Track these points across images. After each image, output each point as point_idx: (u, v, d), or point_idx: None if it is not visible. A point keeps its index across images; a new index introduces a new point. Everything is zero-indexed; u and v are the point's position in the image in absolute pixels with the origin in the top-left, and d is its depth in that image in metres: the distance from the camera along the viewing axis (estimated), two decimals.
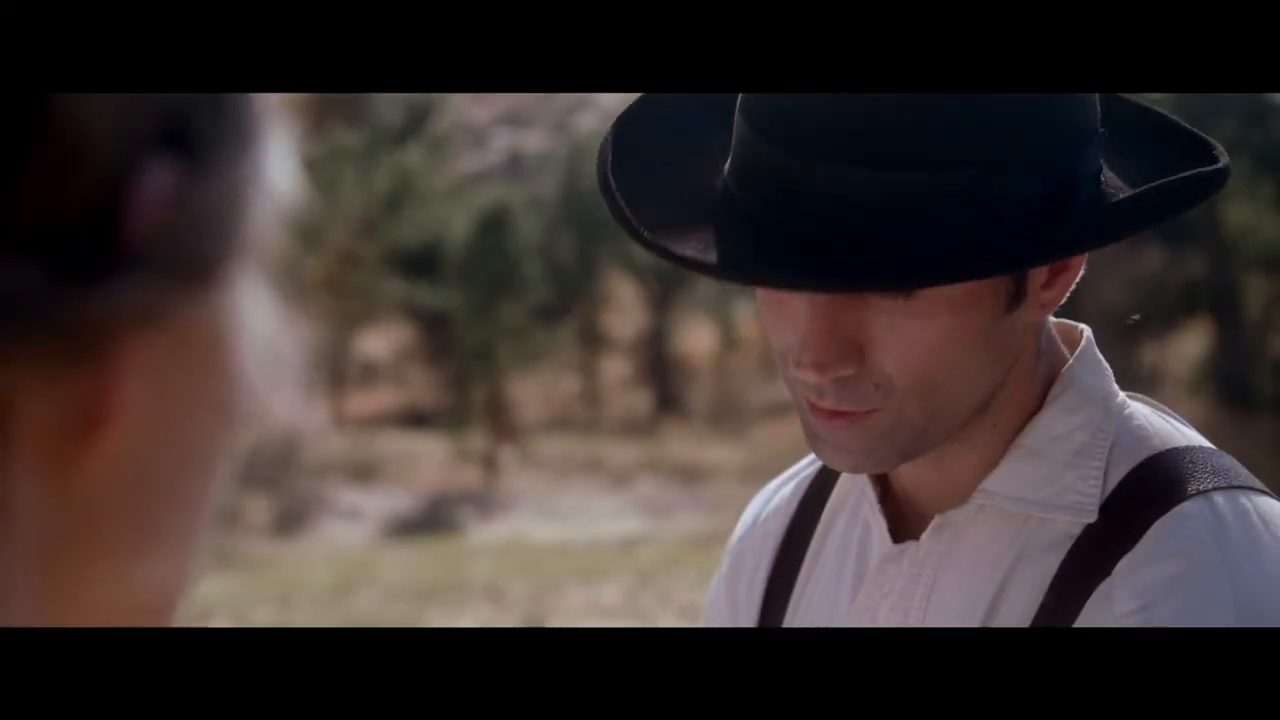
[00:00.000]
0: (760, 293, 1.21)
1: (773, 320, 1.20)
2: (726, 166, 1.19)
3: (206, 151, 0.44)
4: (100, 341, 0.42)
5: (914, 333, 1.15)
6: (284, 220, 0.47)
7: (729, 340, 26.12)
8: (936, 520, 1.24)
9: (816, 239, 1.11)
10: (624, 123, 1.23)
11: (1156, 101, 1.21)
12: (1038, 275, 1.18)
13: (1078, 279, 1.21)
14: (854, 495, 1.35)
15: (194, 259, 0.44)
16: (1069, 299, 1.23)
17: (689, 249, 1.14)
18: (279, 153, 0.47)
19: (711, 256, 1.13)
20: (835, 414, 1.17)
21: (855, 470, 1.23)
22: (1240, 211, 20.62)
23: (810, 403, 1.19)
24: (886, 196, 1.10)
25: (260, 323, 0.47)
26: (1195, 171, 1.18)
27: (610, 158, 1.20)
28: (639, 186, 1.18)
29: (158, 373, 0.44)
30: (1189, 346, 22.40)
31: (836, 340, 1.15)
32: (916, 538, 1.26)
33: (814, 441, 1.21)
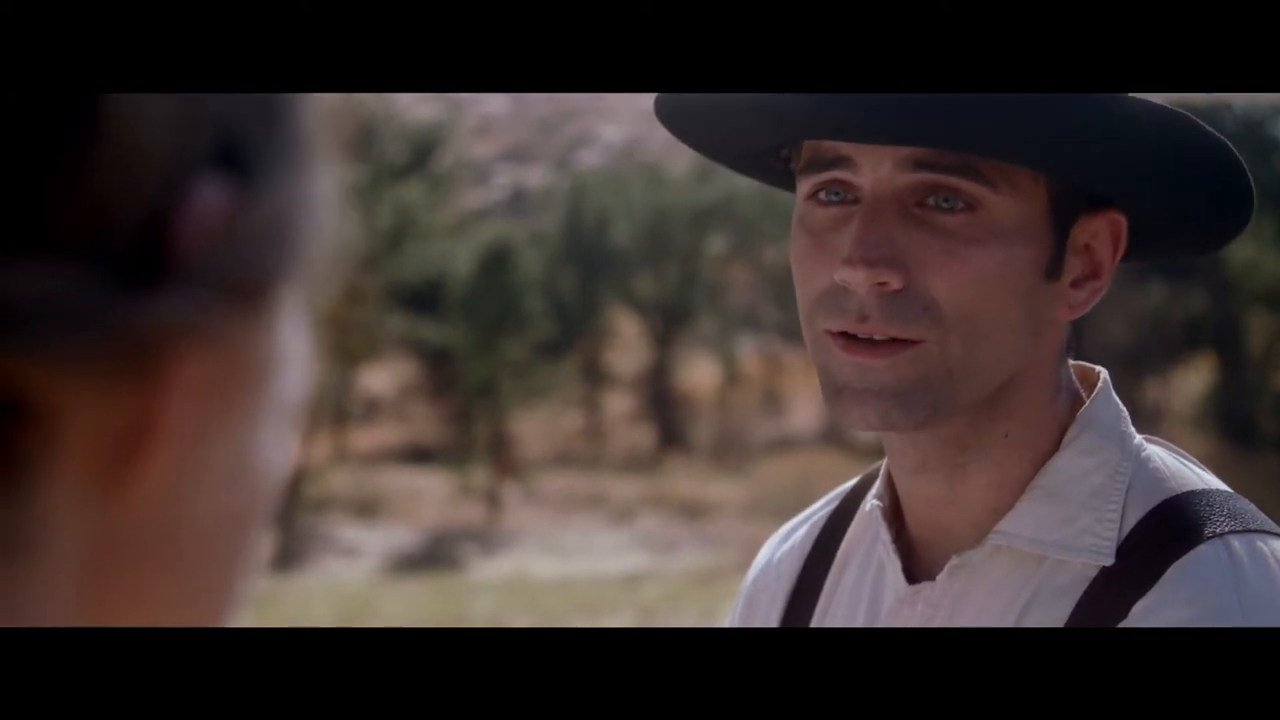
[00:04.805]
0: (802, 235, 1.21)
1: (814, 259, 1.20)
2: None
3: (260, 170, 0.43)
4: (149, 354, 0.41)
5: (967, 258, 1.16)
6: (331, 247, 0.46)
7: (731, 376, 26.12)
8: (953, 560, 1.24)
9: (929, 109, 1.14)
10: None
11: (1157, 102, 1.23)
12: (1072, 268, 1.21)
13: (1102, 293, 1.24)
14: (868, 536, 1.34)
15: (244, 278, 0.42)
16: (1075, 335, 1.25)
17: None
18: (329, 177, 0.46)
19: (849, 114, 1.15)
20: (874, 346, 1.17)
21: (880, 426, 1.20)
22: (1242, 248, 20.65)
23: (844, 339, 1.18)
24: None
25: (301, 353, 0.46)
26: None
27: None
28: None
29: (204, 395, 0.42)
30: (1191, 383, 22.40)
31: (889, 247, 1.16)
32: (931, 578, 1.26)
33: (837, 397, 1.19)
